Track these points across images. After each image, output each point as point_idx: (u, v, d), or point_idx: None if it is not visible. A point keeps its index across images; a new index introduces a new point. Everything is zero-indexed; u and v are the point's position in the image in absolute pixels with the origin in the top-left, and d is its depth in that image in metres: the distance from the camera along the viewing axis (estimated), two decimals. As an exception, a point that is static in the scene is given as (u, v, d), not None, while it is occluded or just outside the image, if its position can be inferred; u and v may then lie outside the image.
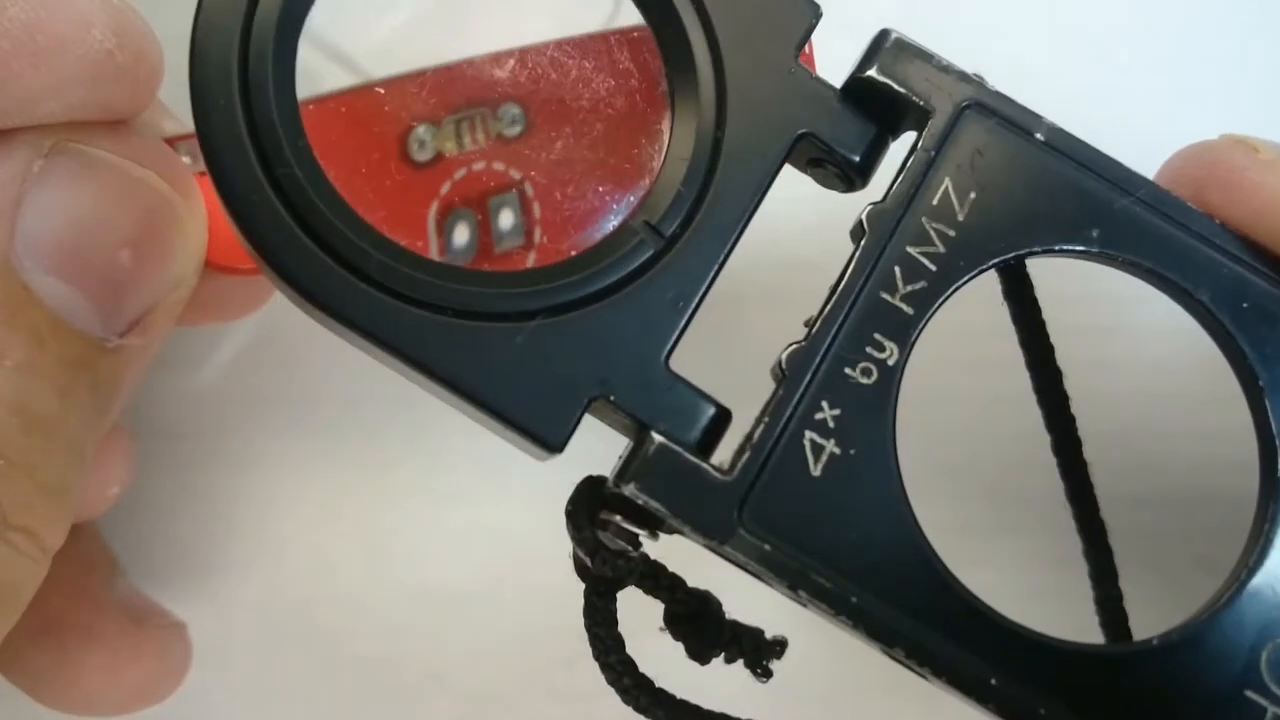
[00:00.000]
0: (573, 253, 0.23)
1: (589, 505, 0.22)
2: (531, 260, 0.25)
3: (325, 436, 0.33)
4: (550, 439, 0.21)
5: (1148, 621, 0.24)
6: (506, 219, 0.25)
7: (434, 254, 0.25)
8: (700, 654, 0.24)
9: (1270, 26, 0.34)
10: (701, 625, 0.24)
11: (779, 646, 0.24)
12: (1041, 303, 0.26)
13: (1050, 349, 0.26)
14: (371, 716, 0.33)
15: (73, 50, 0.21)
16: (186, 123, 0.26)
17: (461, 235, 0.25)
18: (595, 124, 0.25)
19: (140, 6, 0.23)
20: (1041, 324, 0.26)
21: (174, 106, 0.26)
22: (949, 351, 0.27)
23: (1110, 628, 0.26)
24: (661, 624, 0.24)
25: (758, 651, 0.24)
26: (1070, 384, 0.26)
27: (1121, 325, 0.32)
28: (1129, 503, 0.29)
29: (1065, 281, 0.25)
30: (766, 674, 0.24)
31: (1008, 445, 0.31)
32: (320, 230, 0.21)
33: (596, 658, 0.23)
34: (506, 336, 0.21)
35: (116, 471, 0.30)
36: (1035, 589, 0.29)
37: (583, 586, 0.23)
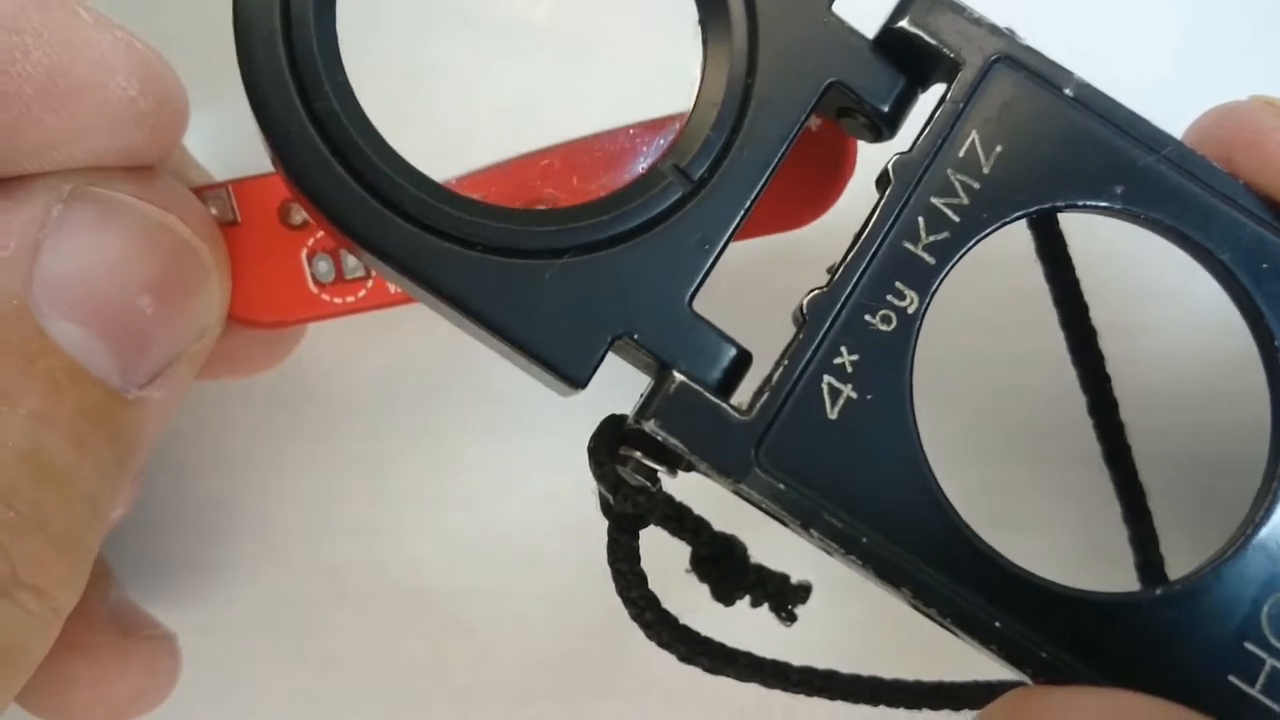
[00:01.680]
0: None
1: (610, 441, 0.23)
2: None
3: (325, 438, 0.33)
4: (574, 374, 0.22)
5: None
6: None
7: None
8: (725, 595, 0.25)
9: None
10: (726, 567, 0.24)
11: (803, 591, 0.25)
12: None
13: (1084, 307, 0.26)
14: (371, 717, 0.33)
15: (95, 95, 0.21)
16: (211, 173, 0.27)
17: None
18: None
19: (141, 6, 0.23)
20: (1075, 282, 0.26)
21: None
22: (981, 313, 0.28)
23: (1140, 550, 0.27)
24: (688, 566, 0.25)
25: (782, 596, 0.24)
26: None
27: (1157, 289, 0.32)
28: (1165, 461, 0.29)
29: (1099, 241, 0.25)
30: (791, 618, 0.25)
31: (1041, 408, 0.32)
32: (357, 164, 0.22)
33: (620, 593, 0.24)
34: (535, 273, 0.22)
35: (125, 494, 0.29)
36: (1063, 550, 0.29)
37: (595, 571, 0.24)
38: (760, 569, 0.25)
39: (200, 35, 0.25)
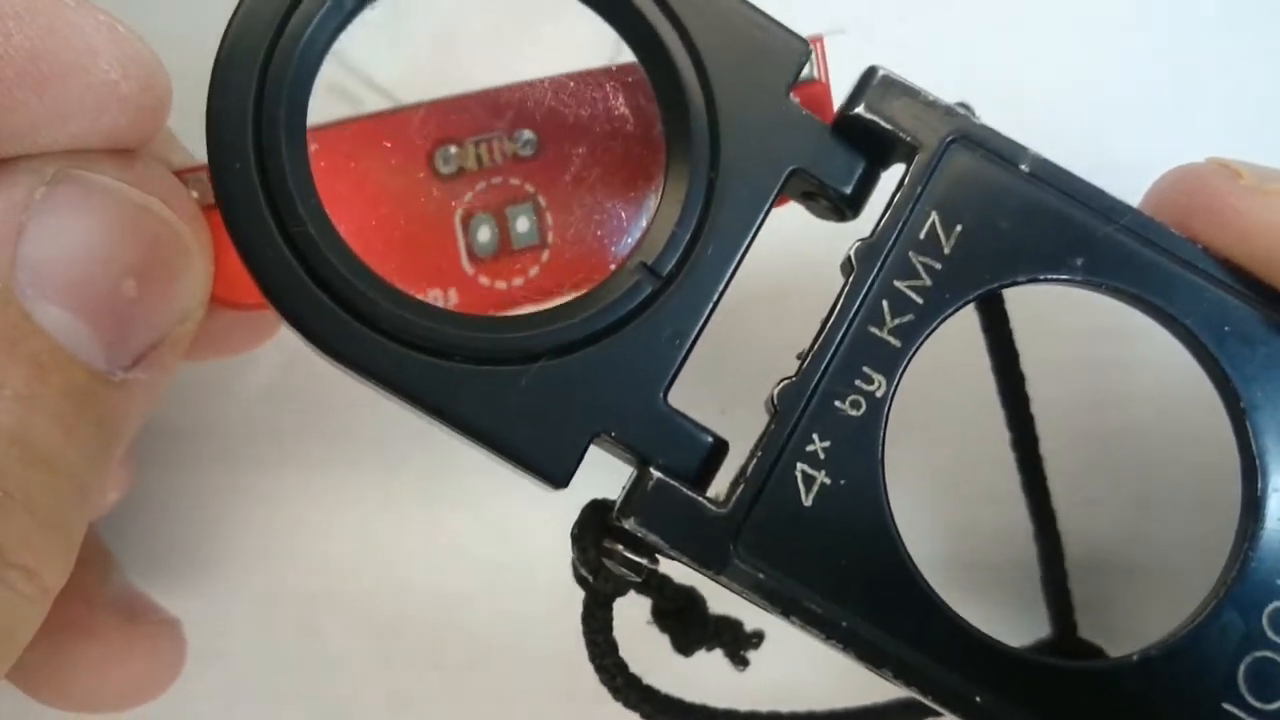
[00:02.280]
0: (578, 285, 0.25)
1: (594, 532, 0.24)
2: (545, 258, 0.26)
3: (329, 439, 0.34)
4: (555, 476, 0.23)
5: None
6: (523, 224, 0.26)
7: (461, 250, 0.26)
8: (685, 647, 0.26)
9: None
10: (687, 620, 0.25)
11: (756, 639, 0.26)
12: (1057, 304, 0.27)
13: (1021, 378, 0.28)
14: (370, 716, 0.34)
15: (77, 78, 0.21)
16: (195, 155, 0.27)
17: (484, 235, 0.26)
18: (600, 148, 0.26)
19: (136, 6, 0.24)
20: (1016, 358, 0.27)
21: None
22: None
23: (1056, 612, 0.28)
24: (649, 618, 0.26)
25: (736, 643, 0.26)
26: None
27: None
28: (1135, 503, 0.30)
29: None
30: (743, 663, 0.26)
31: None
32: (333, 283, 0.22)
33: (592, 660, 0.25)
34: (512, 379, 0.23)
35: (117, 477, 0.29)
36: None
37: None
38: (719, 620, 0.26)
39: (196, 26, 0.25)
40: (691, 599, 0.26)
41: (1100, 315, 0.30)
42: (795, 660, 0.29)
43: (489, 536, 0.34)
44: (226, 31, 0.22)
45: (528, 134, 0.27)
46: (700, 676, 0.26)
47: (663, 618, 0.26)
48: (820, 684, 0.32)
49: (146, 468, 0.33)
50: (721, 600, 0.26)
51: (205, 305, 0.24)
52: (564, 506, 0.25)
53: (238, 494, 0.34)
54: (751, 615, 0.26)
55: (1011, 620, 0.30)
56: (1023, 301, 0.26)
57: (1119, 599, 0.31)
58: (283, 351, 0.34)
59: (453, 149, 0.26)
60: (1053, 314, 0.29)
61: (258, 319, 0.28)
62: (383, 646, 0.34)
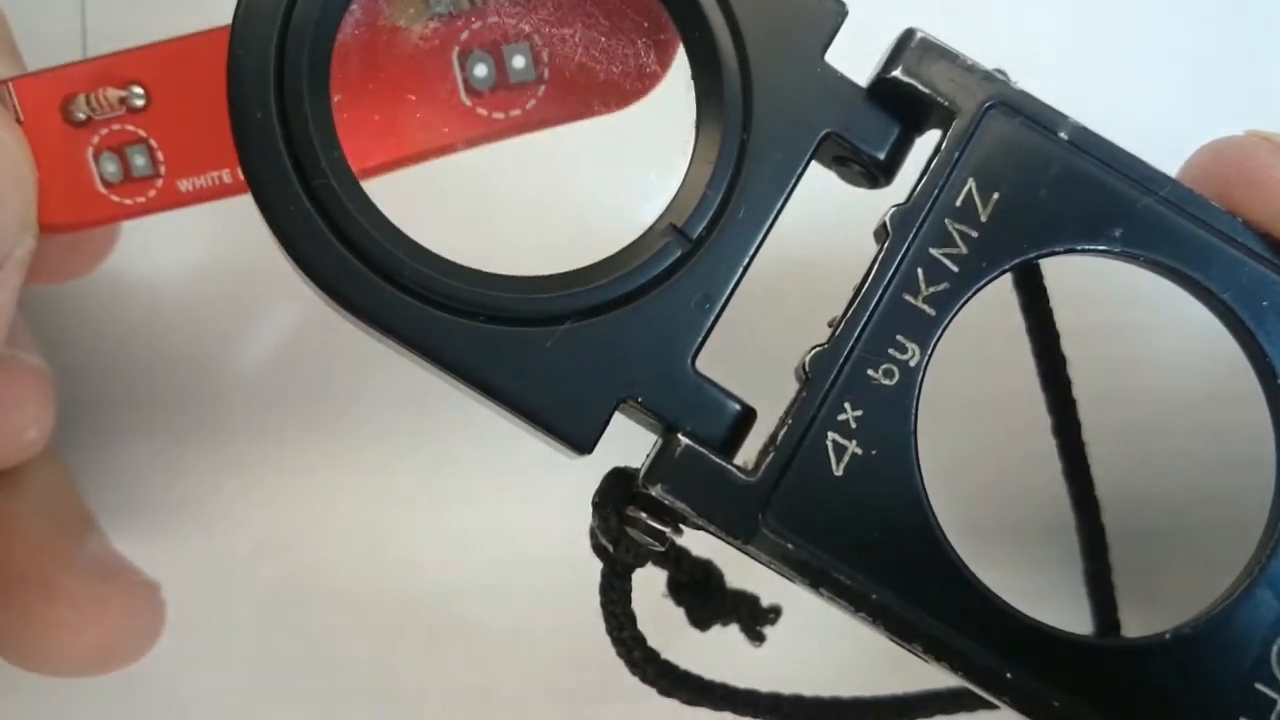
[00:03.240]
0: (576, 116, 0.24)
1: (616, 499, 0.23)
2: (542, 93, 0.25)
3: (327, 436, 0.33)
4: (580, 441, 0.22)
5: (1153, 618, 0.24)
6: (519, 61, 0.25)
7: (459, 86, 0.25)
8: (701, 621, 0.26)
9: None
10: (704, 594, 0.25)
11: (773, 614, 0.26)
12: (1063, 299, 0.27)
13: (1057, 338, 0.27)
14: (369, 715, 0.33)
15: None
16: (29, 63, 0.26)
17: (481, 70, 0.25)
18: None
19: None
20: (1056, 336, 0.26)
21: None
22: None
23: (1099, 605, 0.27)
24: (664, 590, 0.25)
25: (754, 618, 0.26)
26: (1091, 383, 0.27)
27: (1149, 324, 0.32)
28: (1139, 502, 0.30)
29: (1090, 280, 0.26)
30: (760, 638, 0.26)
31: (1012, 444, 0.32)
32: (356, 239, 0.22)
33: (610, 632, 0.24)
34: (538, 341, 0.22)
35: (32, 413, 0.28)
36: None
37: (594, 572, 0.24)
38: (736, 594, 0.25)
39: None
40: (709, 572, 0.25)
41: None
42: (807, 639, 0.29)
43: (489, 536, 0.33)
44: None
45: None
46: (709, 657, 0.26)
47: (679, 591, 0.26)
48: (830, 665, 0.32)
49: (149, 471, 0.32)
50: (737, 575, 0.25)
51: (37, 222, 0.24)
52: (565, 507, 0.25)
53: (238, 496, 0.33)
54: (768, 591, 0.26)
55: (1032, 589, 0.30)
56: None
57: (1155, 581, 0.31)
58: (282, 352, 0.33)
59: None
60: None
61: (79, 241, 0.28)
62: (381, 646, 0.33)
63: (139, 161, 0.25)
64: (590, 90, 0.25)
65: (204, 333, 0.33)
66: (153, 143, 0.25)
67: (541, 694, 0.33)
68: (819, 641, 0.31)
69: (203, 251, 0.33)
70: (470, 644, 0.33)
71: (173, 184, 0.25)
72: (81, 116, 0.24)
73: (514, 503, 0.33)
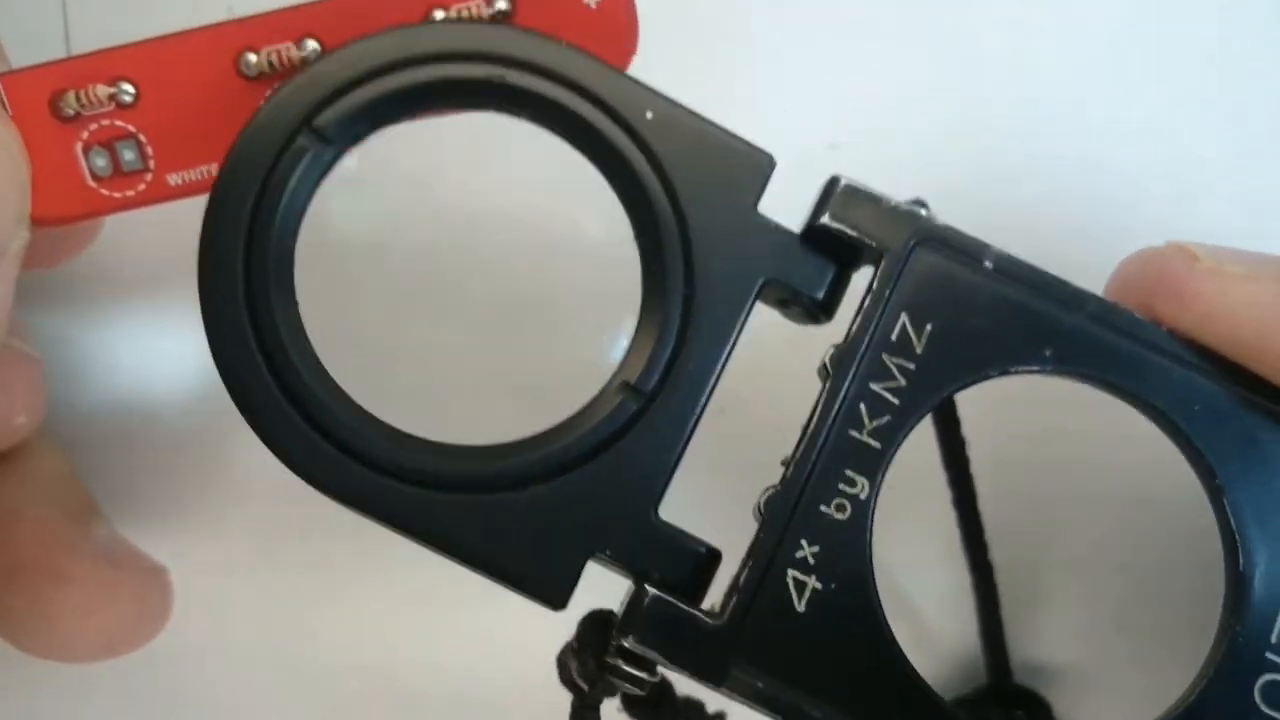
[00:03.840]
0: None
1: (595, 647, 0.24)
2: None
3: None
4: (553, 599, 0.23)
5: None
6: (128, 155, 0.26)
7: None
8: None
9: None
10: (657, 710, 0.26)
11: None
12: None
13: (970, 478, 0.29)
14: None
15: None
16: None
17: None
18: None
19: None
20: (967, 463, 0.29)
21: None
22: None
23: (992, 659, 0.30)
24: (619, 706, 0.26)
25: None
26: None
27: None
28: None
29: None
30: None
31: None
32: (325, 424, 0.23)
33: None
34: (506, 505, 0.23)
35: (23, 400, 0.29)
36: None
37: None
38: (686, 702, 0.26)
39: None
40: (662, 689, 0.26)
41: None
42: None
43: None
44: (214, 184, 0.23)
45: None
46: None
47: (633, 707, 0.26)
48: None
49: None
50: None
51: (30, 216, 0.25)
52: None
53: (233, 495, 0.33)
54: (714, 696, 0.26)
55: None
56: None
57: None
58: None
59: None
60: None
61: (63, 233, 0.28)
62: (379, 647, 0.34)
63: (128, 156, 0.25)
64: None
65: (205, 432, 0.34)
66: (142, 138, 0.26)
67: (539, 698, 0.33)
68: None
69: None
70: (467, 645, 0.33)
71: (162, 178, 0.26)
72: (70, 112, 0.25)
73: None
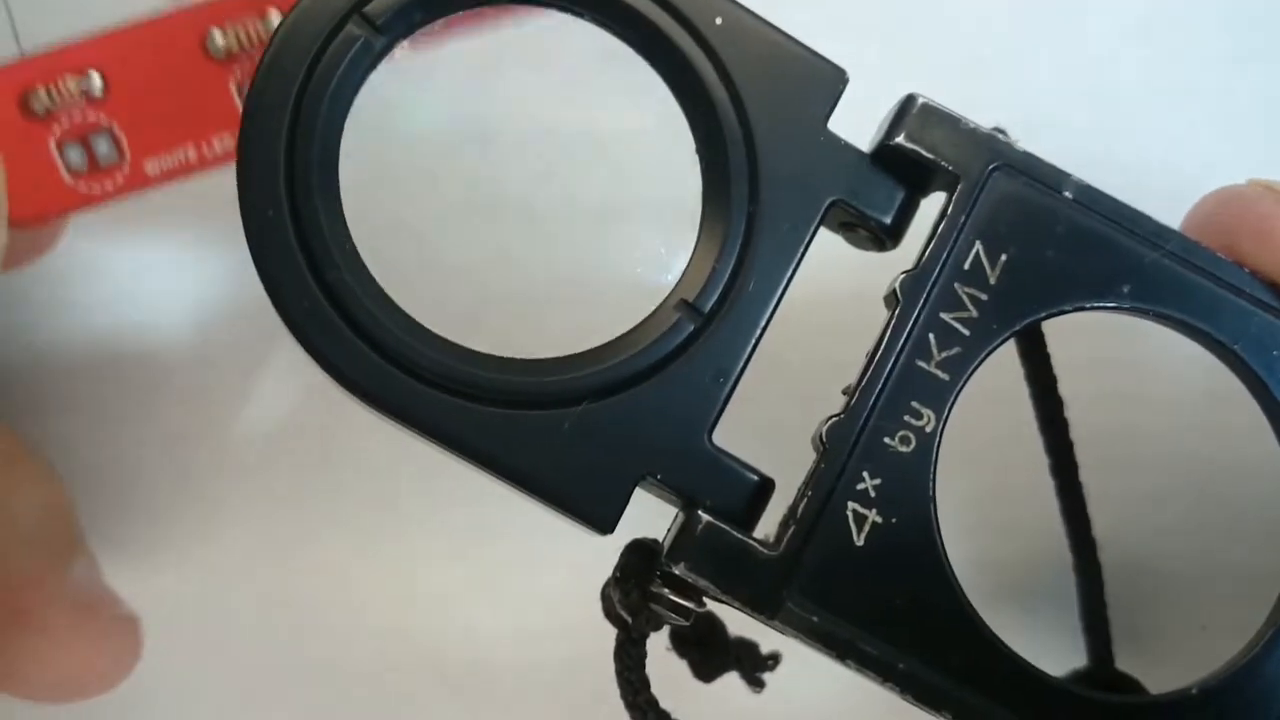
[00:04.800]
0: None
1: (640, 575, 0.23)
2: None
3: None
4: (602, 521, 0.22)
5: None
6: (103, 147, 0.26)
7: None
8: (706, 675, 0.26)
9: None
10: (708, 646, 0.25)
11: (773, 661, 0.26)
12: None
13: (1060, 403, 0.27)
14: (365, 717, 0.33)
15: None
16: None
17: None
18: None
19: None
20: (1055, 386, 0.27)
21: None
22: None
23: (1094, 643, 0.28)
24: (667, 644, 0.25)
25: (754, 665, 0.26)
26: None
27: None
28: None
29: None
30: (760, 685, 0.26)
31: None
32: (371, 331, 0.22)
33: (624, 697, 0.24)
34: (555, 423, 0.22)
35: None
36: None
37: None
38: (738, 643, 0.26)
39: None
40: (712, 624, 0.25)
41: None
42: (814, 682, 0.29)
43: (488, 537, 0.33)
44: (255, 76, 0.22)
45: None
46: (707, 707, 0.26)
47: (683, 644, 0.26)
48: (840, 711, 0.32)
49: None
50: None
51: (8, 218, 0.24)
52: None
53: (232, 499, 0.33)
54: (768, 635, 0.26)
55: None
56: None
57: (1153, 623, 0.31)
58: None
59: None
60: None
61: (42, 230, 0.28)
62: (378, 648, 0.33)
63: (103, 149, 0.25)
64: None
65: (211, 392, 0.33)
66: (115, 128, 0.25)
67: (540, 696, 0.33)
68: (820, 686, 0.31)
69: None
70: (468, 645, 0.33)
71: (139, 166, 0.25)
72: (41, 109, 0.25)
73: (513, 501, 0.33)
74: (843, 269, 0.25)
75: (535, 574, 0.33)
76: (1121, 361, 0.32)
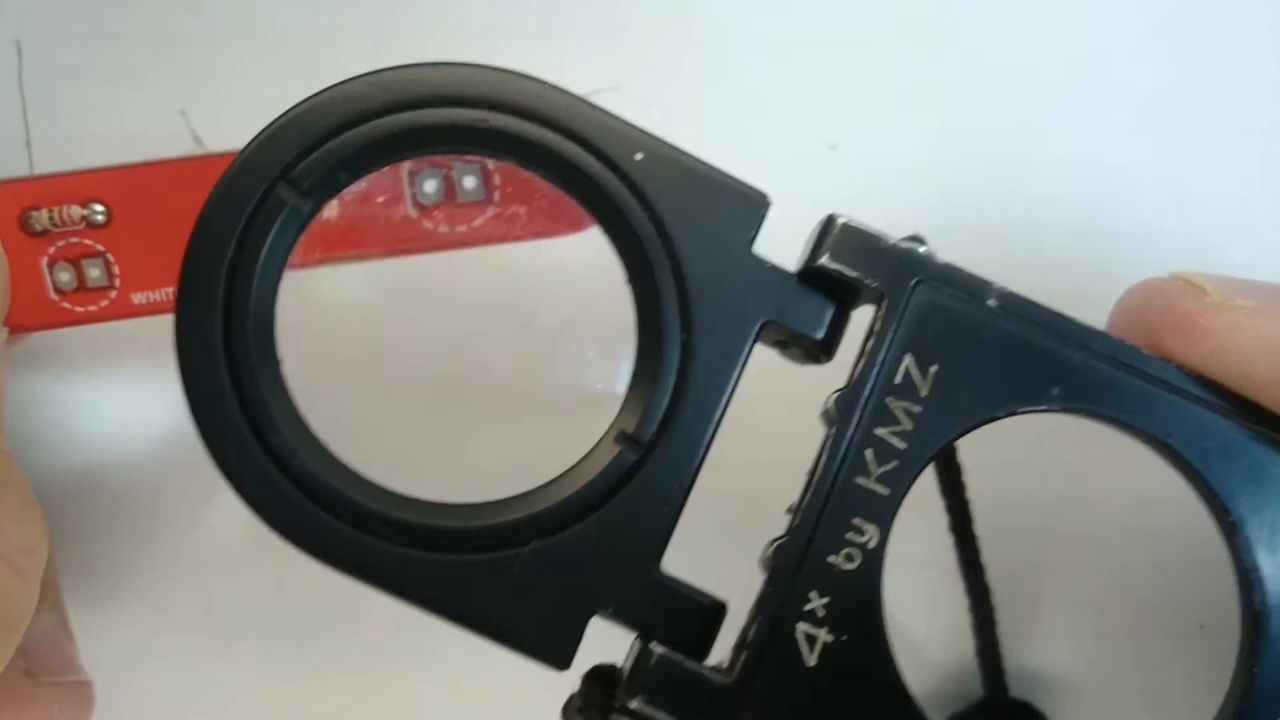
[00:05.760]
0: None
1: (600, 706, 0.23)
2: (490, 213, 0.27)
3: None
4: (557, 659, 0.23)
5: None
6: (469, 182, 0.27)
7: (408, 202, 0.27)
8: None
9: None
10: None
11: None
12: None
13: (969, 512, 0.29)
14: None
15: None
16: None
17: (430, 186, 0.27)
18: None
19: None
20: (967, 504, 0.28)
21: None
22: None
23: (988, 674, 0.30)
24: None
25: None
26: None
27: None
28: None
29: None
30: None
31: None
32: (315, 488, 0.22)
33: None
34: (507, 564, 0.23)
35: None
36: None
37: None
38: None
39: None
40: None
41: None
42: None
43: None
44: (188, 244, 0.23)
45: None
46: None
47: None
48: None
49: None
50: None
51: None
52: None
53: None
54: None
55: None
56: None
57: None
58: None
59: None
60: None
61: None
62: (377, 649, 0.33)
63: (94, 273, 0.26)
64: (539, 215, 0.27)
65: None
66: (110, 257, 0.26)
67: (536, 698, 0.32)
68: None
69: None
70: (466, 645, 0.31)
71: (126, 296, 0.26)
72: (39, 228, 0.26)
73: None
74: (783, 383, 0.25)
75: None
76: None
